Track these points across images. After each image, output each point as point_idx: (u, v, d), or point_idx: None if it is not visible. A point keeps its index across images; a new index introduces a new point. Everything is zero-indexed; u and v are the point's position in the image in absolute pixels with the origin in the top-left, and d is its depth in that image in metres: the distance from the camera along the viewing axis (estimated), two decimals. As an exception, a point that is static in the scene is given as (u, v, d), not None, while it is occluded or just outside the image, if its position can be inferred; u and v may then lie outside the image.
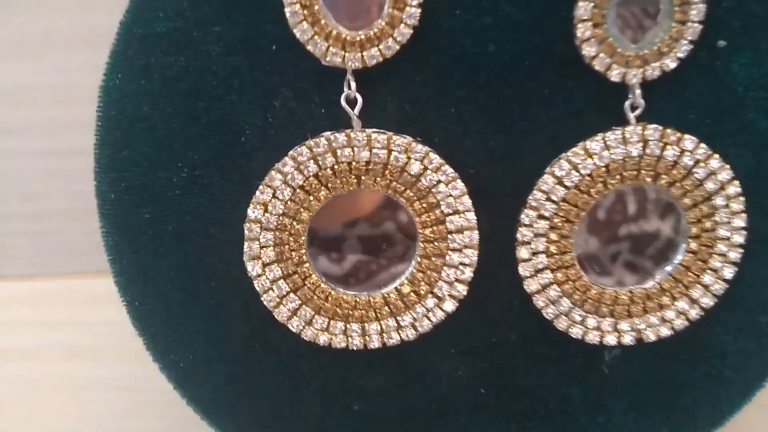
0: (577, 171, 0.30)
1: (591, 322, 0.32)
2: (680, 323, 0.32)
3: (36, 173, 0.51)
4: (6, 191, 0.51)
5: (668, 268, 0.32)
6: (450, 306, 0.31)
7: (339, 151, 0.29)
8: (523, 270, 0.31)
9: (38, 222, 0.52)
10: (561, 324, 0.32)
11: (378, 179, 0.29)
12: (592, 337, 0.32)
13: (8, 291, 0.52)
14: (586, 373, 0.33)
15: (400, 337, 0.31)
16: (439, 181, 0.29)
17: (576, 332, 0.32)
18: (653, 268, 0.33)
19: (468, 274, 0.31)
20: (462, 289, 0.31)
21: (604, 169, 0.30)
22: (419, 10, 0.28)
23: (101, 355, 0.46)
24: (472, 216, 0.30)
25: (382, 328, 0.31)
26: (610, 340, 0.32)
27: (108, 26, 0.30)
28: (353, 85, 0.29)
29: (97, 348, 0.46)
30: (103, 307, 0.47)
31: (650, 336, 0.32)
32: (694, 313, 0.32)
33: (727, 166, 0.30)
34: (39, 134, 0.49)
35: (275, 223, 0.30)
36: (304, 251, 0.30)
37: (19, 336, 0.49)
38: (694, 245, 0.31)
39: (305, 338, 0.31)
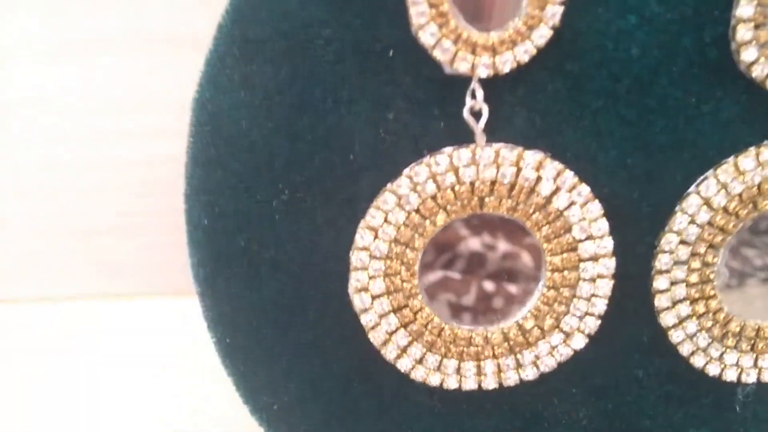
0: (726, 191, 0.26)
1: (730, 358, 0.29)
2: (827, 358, 0.29)
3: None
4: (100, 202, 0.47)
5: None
6: (579, 342, 0.28)
7: (462, 170, 0.25)
8: (659, 301, 0.28)
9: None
10: (698, 361, 0.28)
11: (503, 201, 0.26)
12: (730, 375, 0.29)
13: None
14: (716, 413, 0.30)
15: (519, 376, 0.28)
16: (572, 203, 0.26)
17: (713, 369, 0.29)
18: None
19: (601, 307, 0.27)
20: (593, 324, 0.27)
21: (756, 189, 0.26)
22: (562, 8, 0.24)
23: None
24: (608, 242, 0.27)
25: (499, 366, 0.28)
26: (749, 377, 0.29)
27: (204, 29, 0.26)
28: (480, 95, 0.25)
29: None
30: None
31: (793, 372, 0.29)
32: (842, 346, 0.29)
33: None
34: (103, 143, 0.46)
35: (386, 251, 0.26)
36: (416, 282, 0.27)
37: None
38: None
39: (414, 378, 0.28)
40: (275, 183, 0.26)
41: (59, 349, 0.46)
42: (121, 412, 0.42)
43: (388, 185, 0.26)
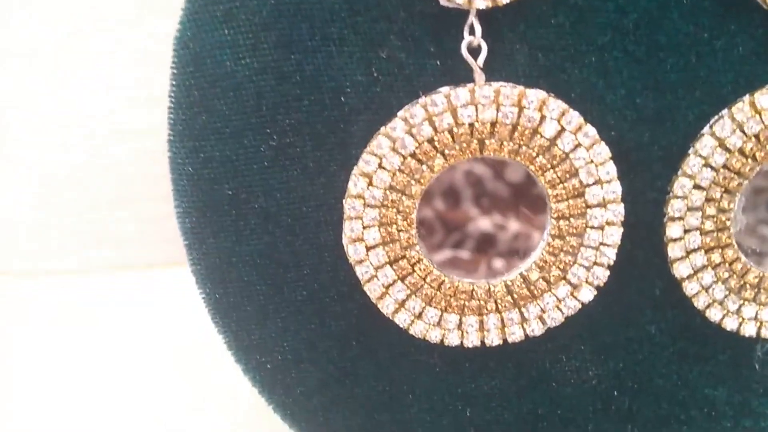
0: (742, 131, 0.25)
1: (748, 311, 0.27)
2: None
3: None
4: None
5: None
6: (587, 295, 0.26)
7: (460, 111, 0.24)
8: (672, 251, 0.26)
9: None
10: (714, 314, 0.27)
11: (504, 143, 0.25)
12: (749, 329, 0.27)
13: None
14: (733, 371, 0.29)
15: (524, 332, 0.27)
16: (578, 145, 0.25)
17: (730, 323, 0.27)
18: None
19: (610, 256, 0.26)
20: (602, 275, 0.26)
21: None
22: (564, -68, 0.23)
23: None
24: (617, 186, 0.25)
25: (503, 321, 0.27)
26: None
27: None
28: (478, 30, 0.24)
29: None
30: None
31: (815, 327, 0.27)
32: None
33: None
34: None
35: (381, 199, 0.25)
36: (414, 232, 0.26)
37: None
38: None
39: (414, 334, 0.26)
40: (263, 127, 0.25)
41: (57, 324, 0.46)
42: (118, 409, 0.41)
43: (382, 128, 0.24)
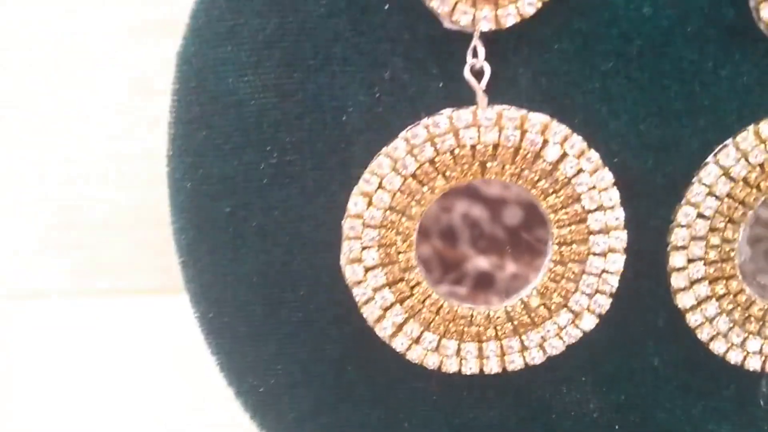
0: (747, 160, 0.25)
1: (753, 344, 0.27)
2: None
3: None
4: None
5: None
6: (589, 323, 0.26)
7: (462, 132, 0.24)
8: (675, 281, 0.26)
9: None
10: (718, 347, 0.26)
11: (506, 167, 0.24)
12: (753, 363, 0.27)
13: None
14: (738, 407, 0.28)
15: (524, 360, 0.26)
16: (581, 170, 0.24)
17: (734, 357, 0.27)
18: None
19: (612, 284, 0.25)
20: (604, 303, 0.25)
21: None
22: (568, -41, 0.23)
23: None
24: (620, 212, 0.25)
25: (503, 348, 0.26)
26: None
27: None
28: (481, 52, 0.24)
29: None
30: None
31: (822, 363, 0.27)
32: None
33: None
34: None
35: (380, 219, 0.25)
36: (413, 254, 0.25)
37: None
38: None
39: (411, 359, 0.26)
40: (263, 144, 0.25)
41: (54, 347, 0.45)
42: (118, 412, 0.41)
43: (384, 148, 0.24)
